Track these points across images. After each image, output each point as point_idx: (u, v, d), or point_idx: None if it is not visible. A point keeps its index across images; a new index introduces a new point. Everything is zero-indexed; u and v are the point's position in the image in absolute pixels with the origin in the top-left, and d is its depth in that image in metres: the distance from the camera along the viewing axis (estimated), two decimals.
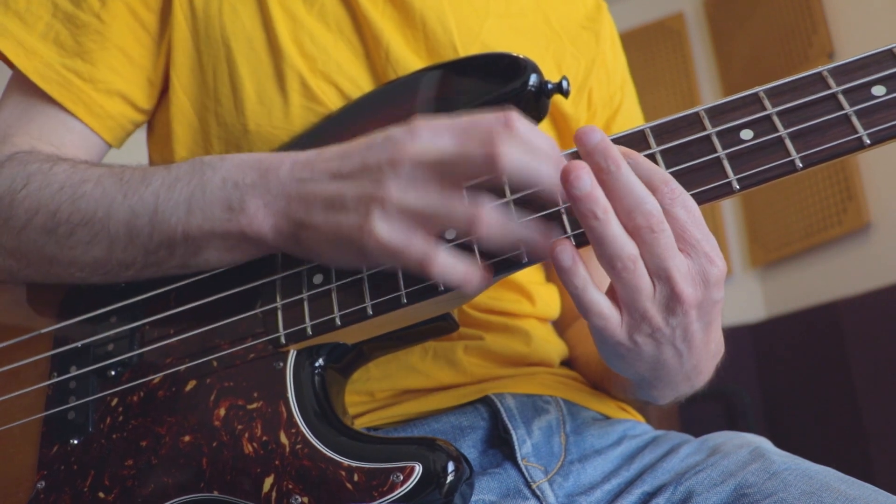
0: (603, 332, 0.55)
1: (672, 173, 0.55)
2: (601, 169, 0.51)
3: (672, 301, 0.53)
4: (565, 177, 0.51)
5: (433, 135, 0.53)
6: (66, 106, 0.72)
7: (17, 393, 0.70)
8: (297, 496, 0.57)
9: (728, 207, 3.29)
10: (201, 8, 0.75)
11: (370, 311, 0.60)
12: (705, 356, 0.60)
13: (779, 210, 2.99)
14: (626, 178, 0.51)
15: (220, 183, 0.60)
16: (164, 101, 0.80)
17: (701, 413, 3.06)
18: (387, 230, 0.53)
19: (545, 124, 0.82)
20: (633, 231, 0.52)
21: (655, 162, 0.56)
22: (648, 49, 3.37)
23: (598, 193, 0.51)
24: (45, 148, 0.73)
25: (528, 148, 0.52)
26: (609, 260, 0.52)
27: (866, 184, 2.61)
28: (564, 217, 0.57)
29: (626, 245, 0.51)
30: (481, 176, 0.52)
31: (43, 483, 0.65)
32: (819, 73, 0.56)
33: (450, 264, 0.53)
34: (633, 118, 0.92)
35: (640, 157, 0.54)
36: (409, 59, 0.75)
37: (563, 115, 0.84)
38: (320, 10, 0.76)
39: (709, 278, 0.53)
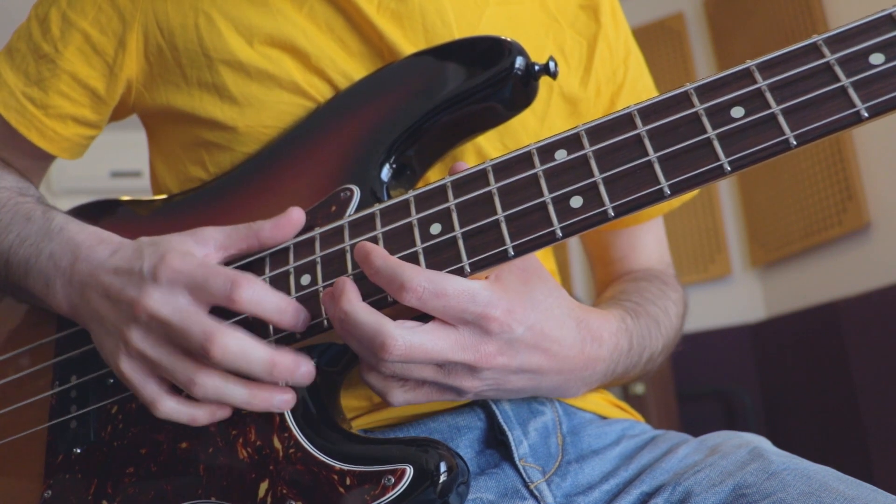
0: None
1: (660, 157, 0.53)
2: (334, 318, 0.56)
3: (469, 368, 0.56)
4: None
5: (168, 290, 0.58)
6: (21, 131, 0.80)
7: (21, 403, 0.71)
8: (292, 501, 0.57)
9: (728, 207, 3.28)
10: (177, 24, 0.76)
11: None
12: (572, 361, 0.61)
13: (779, 210, 2.99)
14: (354, 318, 0.54)
15: (47, 256, 0.67)
16: (152, 121, 0.83)
17: (700, 413, 3.06)
18: (128, 368, 0.60)
19: (558, 107, 0.82)
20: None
21: (643, 145, 0.54)
22: (648, 49, 3.34)
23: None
24: None
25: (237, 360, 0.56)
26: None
27: (866, 184, 2.61)
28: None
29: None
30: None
31: (49, 492, 0.66)
32: (813, 43, 0.52)
33: (173, 411, 0.60)
34: (640, 93, 0.90)
35: (377, 262, 0.55)
36: (407, 53, 0.74)
37: (573, 97, 0.83)
38: (309, 11, 0.76)
39: (490, 330, 0.55)
